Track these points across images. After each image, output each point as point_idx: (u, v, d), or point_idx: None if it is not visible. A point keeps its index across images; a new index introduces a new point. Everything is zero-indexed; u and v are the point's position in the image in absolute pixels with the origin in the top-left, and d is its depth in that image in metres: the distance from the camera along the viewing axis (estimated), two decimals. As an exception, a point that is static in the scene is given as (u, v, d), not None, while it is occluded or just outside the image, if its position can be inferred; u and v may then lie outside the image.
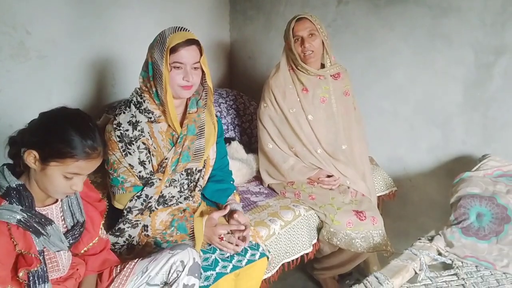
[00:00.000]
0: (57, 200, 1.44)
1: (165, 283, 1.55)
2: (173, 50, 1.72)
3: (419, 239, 2.16)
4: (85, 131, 1.33)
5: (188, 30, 1.80)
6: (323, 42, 2.42)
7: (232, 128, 3.03)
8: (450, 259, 2.05)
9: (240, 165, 2.61)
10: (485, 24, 2.51)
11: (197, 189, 1.96)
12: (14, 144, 1.36)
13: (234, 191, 2.10)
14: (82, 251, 1.52)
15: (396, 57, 2.87)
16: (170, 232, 1.78)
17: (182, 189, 1.88)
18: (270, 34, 3.43)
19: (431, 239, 2.14)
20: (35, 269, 1.30)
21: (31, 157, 1.30)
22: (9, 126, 2.44)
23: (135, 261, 1.58)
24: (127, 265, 1.56)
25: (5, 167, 1.36)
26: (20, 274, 1.29)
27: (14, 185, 1.32)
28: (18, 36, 2.42)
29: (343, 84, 2.55)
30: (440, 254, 2.09)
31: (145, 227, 1.78)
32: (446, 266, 2.04)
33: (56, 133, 1.31)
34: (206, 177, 2.00)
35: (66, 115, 1.36)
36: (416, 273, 1.94)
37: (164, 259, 1.54)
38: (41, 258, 1.32)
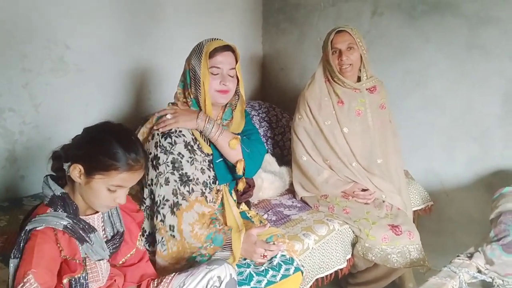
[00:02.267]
0: (98, 211, 1.47)
1: None
2: (211, 55, 1.78)
3: (458, 256, 2.09)
4: (128, 144, 1.36)
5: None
6: (361, 56, 2.40)
7: (265, 141, 3.02)
8: (491, 277, 1.98)
9: (273, 178, 2.60)
10: (525, 35, 2.46)
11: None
12: (57, 158, 1.40)
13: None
14: (120, 262, 1.54)
15: (432, 69, 2.83)
16: (206, 246, 1.77)
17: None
18: (303, 46, 3.43)
19: (470, 256, 2.07)
20: (78, 276, 1.33)
21: (76, 171, 1.34)
22: (48, 139, 2.51)
23: (172, 275, 1.58)
24: (164, 279, 1.57)
25: (48, 177, 1.40)
26: (65, 281, 1.32)
27: (58, 193, 1.36)
28: (58, 51, 2.50)
29: (379, 97, 2.52)
30: (479, 271, 2.02)
31: (171, 227, 1.75)
32: (486, 285, 1.99)
33: (101, 147, 1.34)
34: None
35: (109, 129, 1.39)
36: (455, 291, 1.89)
37: (201, 274, 1.54)
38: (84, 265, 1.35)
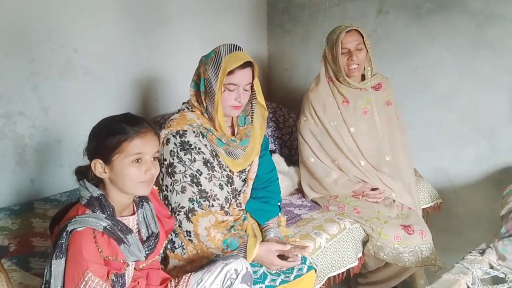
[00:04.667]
0: (134, 212, 1.49)
1: None
2: (229, 72, 1.74)
3: (470, 252, 2.09)
4: (128, 117, 1.43)
5: (242, 49, 1.80)
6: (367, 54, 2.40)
7: (272, 141, 3.03)
8: (503, 273, 1.97)
9: (282, 177, 2.58)
10: (531, 32, 2.46)
11: (237, 201, 1.95)
12: (79, 173, 1.45)
13: (280, 214, 2.08)
14: (141, 266, 1.55)
15: (438, 66, 2.83)
16: (223, 251, 1.78)
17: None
18: (308, 46, 3.43)
19: (482, 252, 2.07)
20: (123, 272, 1.37)
21: (98, 166, 1.37)
22: (58, 142, 2.53)
23: (189, 274, 1.60)
24: (182, 279, 1.59)
25: (85, 180, 1.43)
26: (112, 277, 1.35)
27: (96, 194, 1.38)
28: (65, 54, 2.51)
29: (384, 94, 2.51)
30: (492, 267, 2.02)
31: (187, 232, 1.77)
32: (499, 280, 1.98)
33: (104, 132, 1.39)
34: (248, 191, 2.00)
35: (108, 118, 1.45)
36: (468, 287, 1.88)
37: (218, 269, 1.56)
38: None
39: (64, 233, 1.31)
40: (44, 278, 1.35)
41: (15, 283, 1.71)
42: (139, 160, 1.38)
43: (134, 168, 1.38)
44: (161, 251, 1.64)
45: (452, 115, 2.83)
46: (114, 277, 1.36)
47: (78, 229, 1.31)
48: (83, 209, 1.37)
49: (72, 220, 1.32)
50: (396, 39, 2.97)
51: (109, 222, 1.34)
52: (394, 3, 2.93)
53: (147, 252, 1.46)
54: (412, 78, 2.94)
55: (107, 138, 1.36)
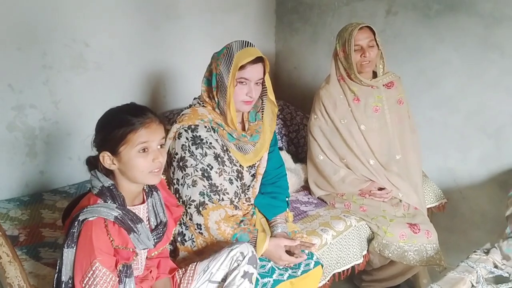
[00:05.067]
0: (144, 201, 1.51)
1: (226, 275, 1.59)
2: (241, 67, 1.76)
3: (475, 251, 2.11)
4: (131, 108, 1.45)
5: (254, 45, 1.83)
6: (379, 52, 2.42)
7: (279, 138, 3.05)
8: (507, 272, 1.99)
9: (289, 174, 2.59)
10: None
11: (246, 196, 1.98)
12: (90, 160, 1.48)
13: (287, 209, 2.11)
14: (153, 254, 1.58)
15: (446, 67, 2.84)
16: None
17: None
18: (316, 46, 3.45)
19: (487, 252, 2.09)
20: (131, 263, 1.39)
21: (106, 158, 1.40)
22: (68, 135, 2.55)
23: (195, 263, 1.63)
24: (189, 268, 1.62)
25: (96, 170, 1.45)
26: (120, 267, 1.37)
27: (107, 184, 1.41)
28: (77, 48, 2.54)
29: (396, 92, 2.52)
30: (496, 267, 2.04)
31: (198, 225, 1.79)
32: (503, 280, 1.99)
33: (109, 124, 1.41)
34: (257, 186, 2.02)
35: (110, 109, 1.47)
36: (473, 285, 1.90)
37: (224, 255, 1.59)
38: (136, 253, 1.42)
39: (76, 223, 1.34)
40: (58, 267, 1.38)
41: (25, 272, 1.73)
42: (146, 150, 1.40)
43: (141, 159, 1.40)
44: (171, 239, 1.65)
45: (458, 116, 2.84)
46: (121, 267, 1.38)
47: (90, 219, 1.33)
48: (94, 198, 1.40)
49: (84, 210, 1.35)
50: (404, 39, 2.97)
51: (120, 211, 1.37)
52: (403, 4, 2.94)
53: (155, 240, 1.49)
54: (419, 79, 2.95)
55: (113, 130, 1.38)
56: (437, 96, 2.91)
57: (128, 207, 1.43)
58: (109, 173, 1.45)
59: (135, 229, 1.39)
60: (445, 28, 2.80)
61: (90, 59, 2.58)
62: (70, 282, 1.35)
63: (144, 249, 1.46)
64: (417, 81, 2.96)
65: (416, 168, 2.54)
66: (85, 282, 1.30)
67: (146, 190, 1.54)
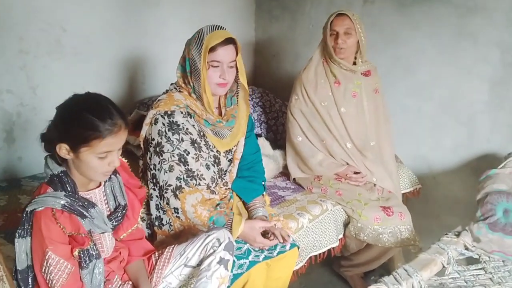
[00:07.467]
0: (100, 185, 1.50)
1: (201, 261, 1.59)
2: (211, 49, 1.78)
3: (446, 234, 2.17)
4: (100, 112, 1.35)
5: (225, 29, 1.85)
6: (358, 42, 2.46)
7: (259, 125, 3.08)
8: (477, 254, 2.06)
9: (267, 160, 2.64)
10: (511, 24, 2.53)
11: (223, 181, 2.00)
12: (46, 140, 1.43)
13: (264, 193, 2.14)
14: (122, 237, 1.59)
15: (421, 56, 2.89)
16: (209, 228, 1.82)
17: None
18: (295, 33, 3.47)
19: (458, 235, 2.15)
20: (87, 247, 1.39)
21: (63, 150, 1.36)
22: (46, 121, 2.50)
23: (173, 246, 1.65)
24: (166, 250, 1.64)
25: (48, 157, 1.43)
26: (76, 253, 1.38)
27: (56, 172, 1.40)
28: (54, 33, 2.51)
29: (373, 81, 2.58)
30: (467, 249, 2.10)
31: (175, 209, 1.80)
32: (473, 261, 2.06)
33: (75, 122, 1.34)
34: (234, 170, 2.05)
35: (78, 102, 1.39)
36: (444, 266, 1.96)
37: (200, 241, 1.60)
38: (90, 237, 1.41)
39: (25, 214, 1.35)
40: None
41: (3, 256, 1.74)
42: (106, 155, 1.38)
43: (99, 162, 1.37)
44: (139, 220, 1.65)
45: (432, 103, 2.90)
46: (78, 253, 1.38)
47: (38, 209, 1.33)
48: (45, 187, 1.39)
49: (33, 201, 1.35)
50: (381, 28, 3.02)
51: (68, 199, 1.36)
52: (380, -7, 2.99)
53: (114, 223, 1.50)
54: (395, 67, 3.00)
55: (76, 131, 1.33)
56: (412, 84, 2.97)
57: (81, 192, 1.43)
58: (63, 160, 1.41)
59: (87, 214, 1.39)
60: (420, 17, 2.85)
61: (67, 44, 2.56)
62: (26, 270, 1.36)
63: (102, 232, 1.46)
64: (393, 69, 3.01)
65: (389, 157, 2.60)
66: (43, 270, 1.33)
67: None
